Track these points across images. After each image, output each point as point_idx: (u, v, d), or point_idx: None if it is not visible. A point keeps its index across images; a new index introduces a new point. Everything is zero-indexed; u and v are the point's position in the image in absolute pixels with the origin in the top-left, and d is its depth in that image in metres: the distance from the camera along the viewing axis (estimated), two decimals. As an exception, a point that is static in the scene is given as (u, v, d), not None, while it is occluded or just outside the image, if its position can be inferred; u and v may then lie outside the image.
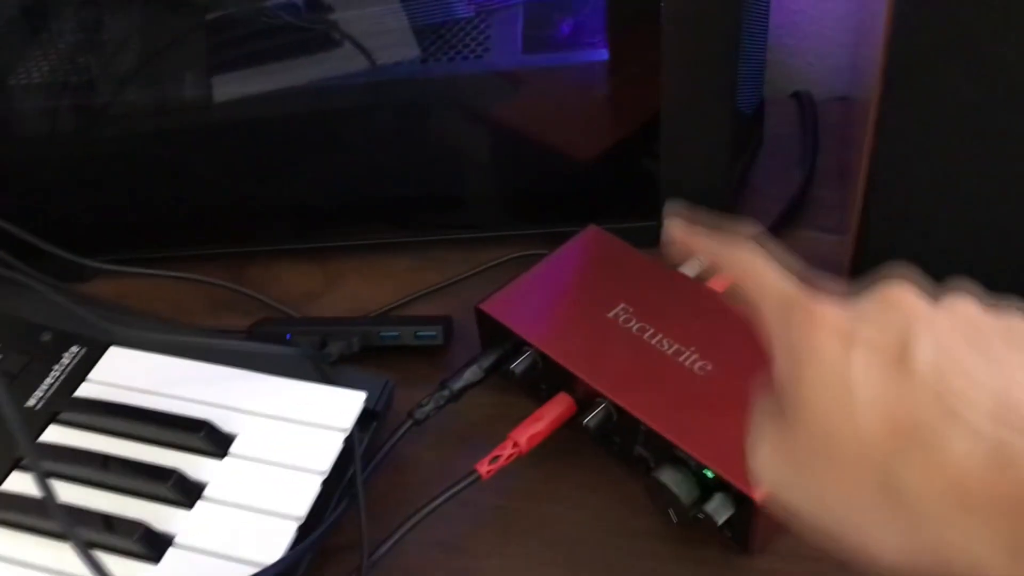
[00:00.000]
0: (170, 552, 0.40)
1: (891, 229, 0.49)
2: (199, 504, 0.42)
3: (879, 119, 0.46)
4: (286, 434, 0.44)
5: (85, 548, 0.36)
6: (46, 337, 0.50)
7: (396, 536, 0.43)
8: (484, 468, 0.45)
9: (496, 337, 0.50)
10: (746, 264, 0.33)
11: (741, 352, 0.45)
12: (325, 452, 0.43)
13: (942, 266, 0.48)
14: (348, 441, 0.45)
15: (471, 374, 0.49)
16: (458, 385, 0.49)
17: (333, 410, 0.45)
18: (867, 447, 0.27)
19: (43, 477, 0.37)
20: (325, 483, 0.43)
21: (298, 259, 0.61)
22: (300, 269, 0.61)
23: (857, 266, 0.51)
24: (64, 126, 0.61)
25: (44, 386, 0.48)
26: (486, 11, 0.56)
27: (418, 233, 0.60)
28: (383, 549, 0.43)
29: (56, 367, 0.48)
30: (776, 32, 0.61)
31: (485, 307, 0.50)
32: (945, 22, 0.42)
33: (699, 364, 0.45)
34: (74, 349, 0.49)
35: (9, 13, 0.58)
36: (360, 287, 0.59)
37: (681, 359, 0.46)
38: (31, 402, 0.47)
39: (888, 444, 0.26)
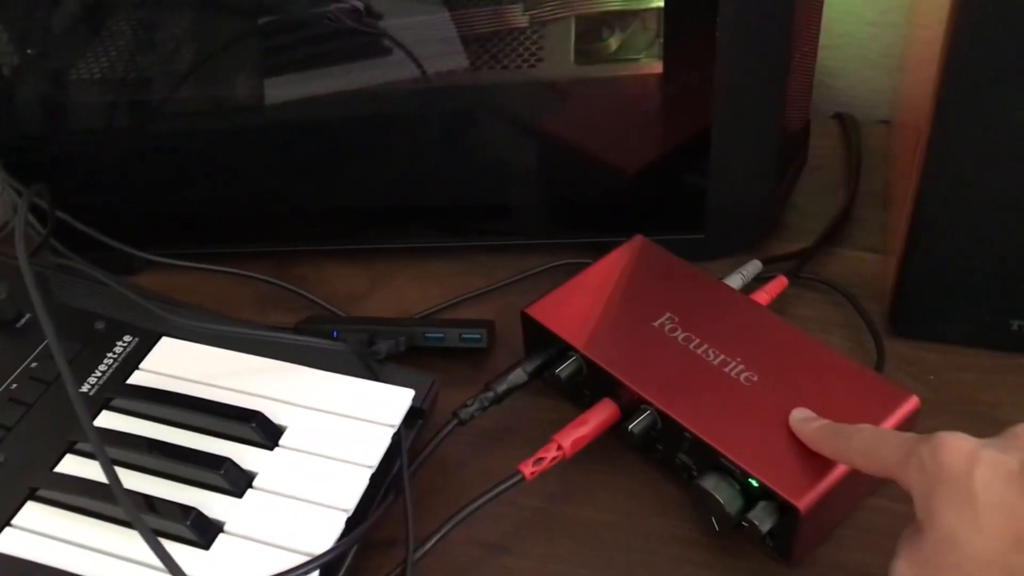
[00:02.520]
0: (220, 538, 0.41)
1: (936, 251, 0.49)
2: (249, 493, 0.43)
3: (930, 142, 0.46)
4: (335, 428, 0.45)
5: (151, 534, 0.37)
6: (99, 326, 0.51)
7: (441, 532, 0.43)
8: (528, 469, 0.45)
9: (540, 342, 0.50)
10: (867, 439, 0.38)
11: (786, 364, 0.46)
12: (374, 446, 0.44)
13: (986, 289, 0.49)
14: (394, 438, 0.45)
15: (516, 377, 0.50)
16: (502, 387, 0.49)
17: (381, 406, 0.46)
18: (992, 554, 0.30)
19: (109, 464, 0.38)
20: (372, 478, 0.44)
21: (345, 260, 0.62)
22: (346, 270, 0.62)
23: (900, 286, 0.51)
24: (120, 122, 0.62)
25: (97, 373, 0.48)
26: (540, 22, 0.57)
27: (464, 238, 0.61)
28: (428, 545, 0.43)
29: (109, 355, 0.49)
30: (822, 54, 0.61)
31: (531, 311, 0.51)
32: (1000, 49, 0.42)
33: (745, 375, 0.46)
34: (127, 338, 0.50)
35: (72, 10, 0.59)
36: (405, 289, 0.60)
37: (727, 369, 0.46)
38: (84, 388, 0.48)
39: (1012, 552, 0.30)
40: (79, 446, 0.45)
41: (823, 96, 0.68)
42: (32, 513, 0.43)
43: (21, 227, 0.47)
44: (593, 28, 0.57)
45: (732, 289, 0.51)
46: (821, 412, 0.44)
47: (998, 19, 0.42)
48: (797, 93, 0.58)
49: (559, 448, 0.46)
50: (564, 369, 0.49)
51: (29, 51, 0.60)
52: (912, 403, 0.44)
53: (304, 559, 0.40)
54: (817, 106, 0.67)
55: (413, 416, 0.47)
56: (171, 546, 0.40)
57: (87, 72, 0.60)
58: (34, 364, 0.49)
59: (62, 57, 0.60)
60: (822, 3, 0.57)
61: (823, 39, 0.61)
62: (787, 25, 0.52)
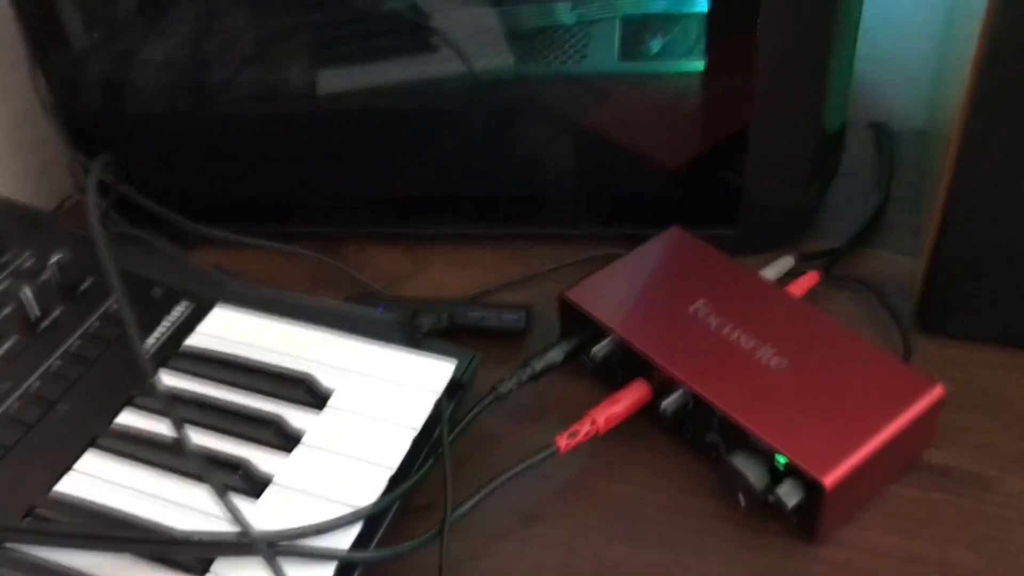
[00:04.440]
0: (269, 490, 0.43)
1: (964, 251, 0.51)
2: (297, 450, 0.45)
3: (961, 147, 0.48)
4: (380, 392, 0.47)
5: (222, 489, 0.40)
6: (157, 292, 0.53)
7: (479, 496, 0.45)
8: (563, 442, 0.47)
9: (577, 325, 0.52)
10: None
11: (816, 351, 0.48)
12: (417, 410, 0.46)
13: (1013, 288, 0.50)
14: (436, 406, 0.47)
15: (553, 355, 0.52)
16: (540, 365, 0.51)
17: (425, 374, 0.48)
18: None
19: (179, 423, 0.40)
20: (413, 444, 0.46)
21: (389, 244, 0.64)
22: (390, 253, 0.64)
23: (928, 284, 0.53)
24: (179, 104, 0.65)
25: (154, 336, 0.51)
26: (586, 21, 0.59)
27: (504, 227, 0.63)
28: (464, 508, 0.45)
29: (166, 320, 0.52)
30: (859, 64, 0.63)
31: (569, 295, 0.53)
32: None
33: (775, 360, 0.48)
34: (184, 304, 0.52)
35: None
36: (446, 274, 0.62)
37: (758, 354, 0.48)
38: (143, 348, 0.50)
39: None
40: (136, 401, 0.47)
41: (859, 105, 0.69)
42: (92, 460, 0.45)
43: (93, 193, 0.49)
44: (638, 28, 0.59)
45: (765, 280, 0.53)
46: (848, 397, 0.45)
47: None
48: (834, 98, 0.60)
49: (593, 423, 0.48)
50: (600, 350, 0.50)
51: (95, 34, 0.63)
52: (937, 392, 0.46)
53: (349, 511, 0.42)
54: (853, 115, 0.68)
55: (453, 388, 0.49)
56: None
57: (150, 55, 0.63)
58: (96, 325, 0.51)
59: (127, 40, 0.63)
60: (860, 12, 0.59)
61: (860, 50, 0.63)
62: (826, 31, 0.54)
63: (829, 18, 0.53)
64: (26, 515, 0.42)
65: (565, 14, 0.59)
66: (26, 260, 0.54)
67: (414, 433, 0.45)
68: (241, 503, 0.42)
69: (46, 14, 0.60)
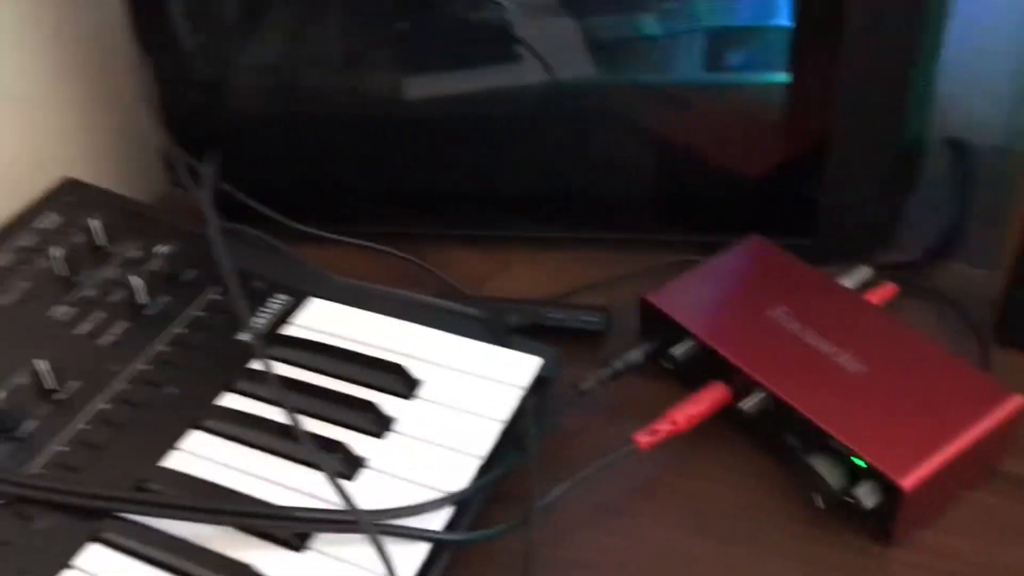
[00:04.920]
0: (363, 473, 0.45)
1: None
2: (390, 435, 0.47)
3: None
4: (469, 385, 0.49)
5: (333, 470, 0.42)
6: (257, 284, 0.56)
7: (563, 487, 0.47)
8: (643, 440, 0.49)
9: (657, 328, 0.54)
10: None
11: (895, 356, 0.49)
12: (504, 403, 0.48)
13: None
14: (521, 400, 0.49)
15: (633, 356, 0.53)
16: (620, 365, 0.53)
17: (511, 369, 0.50)
18: None
19: (292, 411, 0.43)
20: (500, 434, 0.47)
21: (470, 246, 0.66)
22: (471, 255, 0.66)
23: (1008, 297, 0.53)
24: (276, 106, 0.67)
25: (254, 325, 0.53)
26: (671, 32, 0.61)
27: (583, 231, 0.65)
28: (550, 497, 0.47)
29: (264, 310, 0.54)
30: (941, 80, 0.64)
31: (651, 298, 0.54)
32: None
33: (855, 365, 0.48)
34: (281, 296, 0.55)
35: (237, 5, 0.65)
36: (525, 276, 0.64)
37: (837, 359, 0.49)
38: (242, 337, 0.53)
39: None
40: (236, 385, 0.50)
41: (940, 120, 0.70)
42: (196, 439, 0.48)
43: (208, 189, 0.52)
44: (721, 40, 0.60)
45: (846, 287, 0.54)
46: (928, 403, 0.46)
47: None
48: (914, 113, 0.61)
49: (673, 422, 0.49)
50: (680, 352, 0.52)
51: (200, 39, 0.66)
52: (1017, 403, 0.46)
53: (440, 495, 0.44)
54: (934, 129, 0.69)
55: (538, 384, 0.51)
56: (317, 476, 0.45)
57: (249, 59, 0.66)
58: (199, 313, 0.54)
59: (228, 45, 0.66)
60: (944, 28, 0.60)
61: (942, 65, 0.64)
62: (910, 47, 0.55)
63: (913, 34, 0.54)
64: (136, 488, 0.45)
65: (650, 26, 0.60)
66: (134, 251, 0.57)
67: (501, 425, 0.47)
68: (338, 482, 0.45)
69: (156, 21, 0.63)
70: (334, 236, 0.62)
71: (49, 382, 0.49)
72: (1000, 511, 0.47)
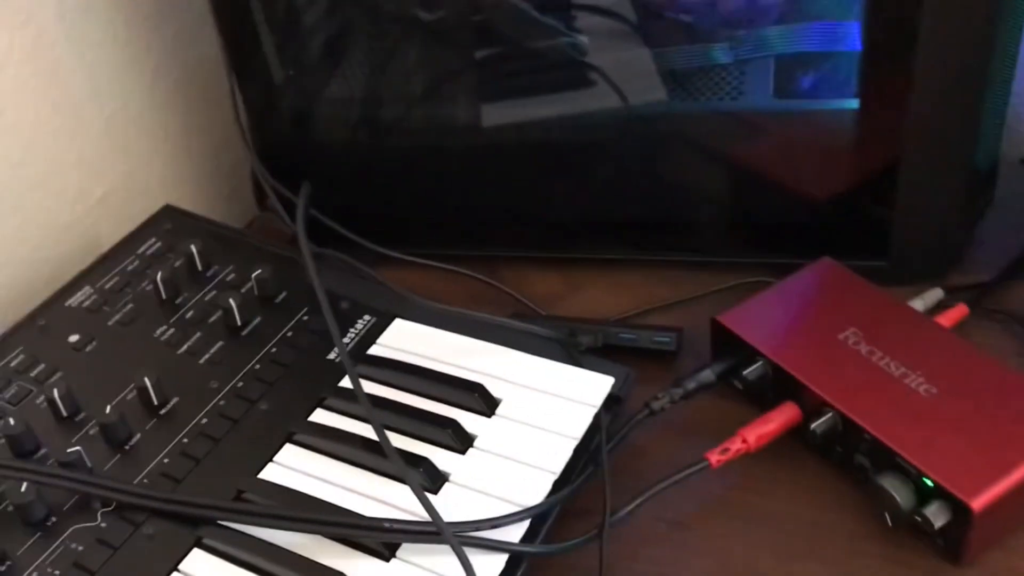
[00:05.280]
0: (446, 486, 0.48)
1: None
2: (471, 452, 0.49)
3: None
4: (545, 403, 0.51)
5: (420, 490, 0.45)
6: (344, 305, 0.59)
7: (635, 503, 0.49)
8: (714, 457, 0.50)
9: (728, 348, 0.55)
10: None
11: (965, 379, 0.49)
12: (578, 421, 0.50)
13: None
14: (595, 417, 0.51)
15: (704, 376, 0.55)
16: (692, 385, 0.55)
17: (585, 388, 0.52)
18: None
19: (380, 428, 0.46)
20: (574, 451, 0.49)
21: (543, 267, 0.68)
22: (544, 276, 0.68)
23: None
24: (359, 136, 0.71)
25: (342, 345, 0.56)
26: (742, 60, 0.62)
27: (654, 253, 0.67)
28: (623, 512, 0.49)
29: (351, 331, 0.57)
30: (1013, 100, 0.64)
31: (722, 319, 0.56)
32: None
33: (924, 387, 0.49)
34: (367, 318, 0.58)
35: (322, 40, 0.69)
36: (597, 296, 0.66)
37: (907, 381, 0.50)
38: (331, 356, 0.56)
39: None
40: (327, 402, 0.53)
41: (1013, 140, 0.70)
42: (290, 452, 0.51)
43: (302, 217, 0.55)
44: (792, 66, 0.62)
45: (915, 310, 0.55)
46: (998, 425, 0.47)
47: None
48: (986, 135, 0.61)
49: (744, 441, 0.51)
50: (752, 372, 0.53)
51: (289, 71, 0.69)
52: (1089, 424, 0.47)
53: (517, 509, 0.46)
54: (1006, 150, 0.69)
55: (611, 402, 0.53)
56: (403, 489, 0.47)
57: (334, 91, 0.69)
58: (290, 333, 0.57)
59: (316, 78, 0.69)
60: (1017, 50, 0.60)
61: (1015, 85, 0.64)
62: (982, 69, 0.55)
63: (985, 56, 0.55)
64: (235, 498, 0.48)
65: (722, 53, 0.62)
66: (229, 274, 0.61)
67: (575, 442, 0.49)
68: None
69: (249, 56, 0.67)
70: (415, 259, 0.65)
71: (154, 398, 0.53)
72: (1072, 533, 0.47)
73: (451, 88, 0.69)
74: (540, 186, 0.69)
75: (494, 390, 0.52)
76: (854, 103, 0.60)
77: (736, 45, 0.61)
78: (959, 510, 0.45)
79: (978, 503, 0.44)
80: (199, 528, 0.47)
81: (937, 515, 0.45)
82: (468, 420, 0.51)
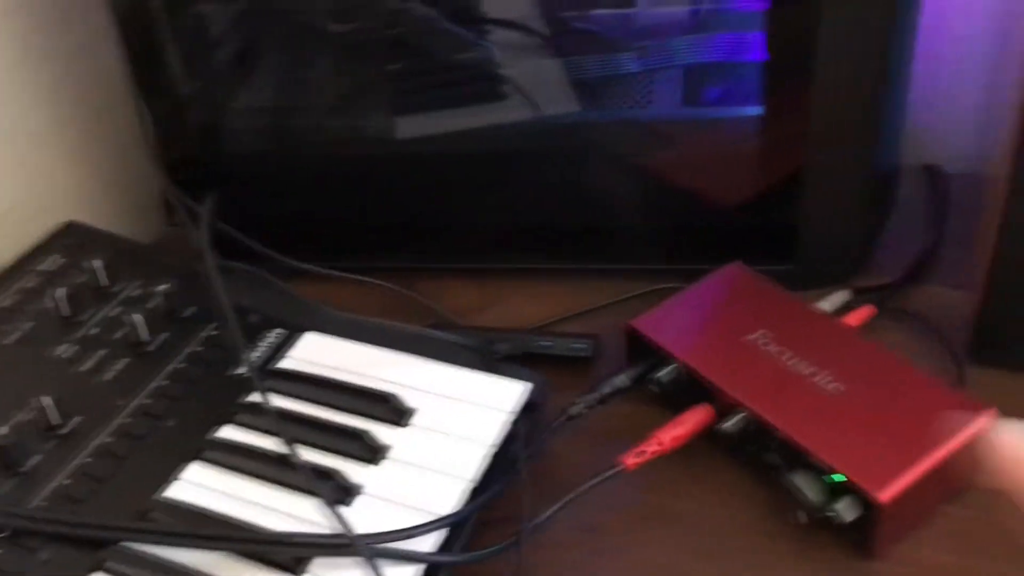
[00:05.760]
0: (359, 499, 0.47)
1: (1017, 285, 0.53)
2: (384, 462, 0.49)
3: (1011, 187, 0.51)
4: (460, 411, 0.51)
5: (331, 497, 0.44)
6: (253, 319, 0.57)
7: (553, 509, 0.48)
8: (630, 460, 0.50)
9: (643, 353, 0.56)
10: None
11: (871, 376, 0.50)
12: (495, 428, 0.50)
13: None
14: (512, 425, 0.51)
15: (620, 381, 0.55)
16: (607, 389, 0.55)
17: (501, 395, 0.51)
18: None
19: (289, 441, 0.44)
20: (491, 459, 0.49)
21: (459, 278, 0.68)
22: (461, 287, 0.68)
23: (981, 317, 0.55)
24: (269, 147, 0.70)
25: (250, 359, 0.55)
26: (649, 69, 0.63)
27: (569, 262, 0.67)
28: (540, 519, 0.48)
29: (261, 344, 0.56)
30: (914, 109, 0.66)
31: (636, 324, 0.56)
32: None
33: (832, 385, 0.50)
34: (278, 331, 0.57)
35: (230, 51, 0.68)
36: (514, 306, 0.66)
37: (816, 379, 0.51)
38: (240, 371, 0.54)
39: None
40: (236, 418, 0.51)
41: (915, 149, 0.72)
42: (197, 470, 0.49)
43: (206, 228, 0.54)
44: (699, 76, 0.63)
45: (823, 311, 0.56)
46: (904, 420, 0.48)
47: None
48: (887, 141, 0.63)
49: (659, 443, 0.51)
50: (665, 375, 0.54)
51: (197, 83, 0.68)
52: (990, 416, 0.48)
53: (432, 518, 0.45)
54: (909, 158, 0.71)
55: (528, 409, 0.52)
56: (315, 503, 0.46)
57: (244, 104, 0.68)
58: (198, 349, 0.56)
59: (224, 89, 0.68)
60: (912, 58, 0.63)
61: (915, 97, 0.66)
62: (878, 80, 0.57)
63: (880, 69, 0.57)
64: (139, 518, 0.46)
65: (630, 63, 0.63)
66: (135, 290, 0.59)
67: (492, 449, 0.49)
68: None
69: (153, 68, 0.65)
70: (328, 271, 0.64)
71: (53, 418, 0.51)
72: (976, 523, 0.48)
73: (364, 100, 0.68)
74: (455, 197, 0.69)
75: (409, 400, 0.51)
76: (759, 111, 0.61)
77: (645, 55, 0.62)
78: (868, 504, 0.45)
79: (886, 496, 0.45)
80: (100, 551, 0.45)
81: (847, 510, 0.46)
82: (381, 431, 0.50)
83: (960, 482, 0.50)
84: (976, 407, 0.48)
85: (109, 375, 0.54)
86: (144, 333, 0.55)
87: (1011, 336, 0.55)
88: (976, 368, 0.56)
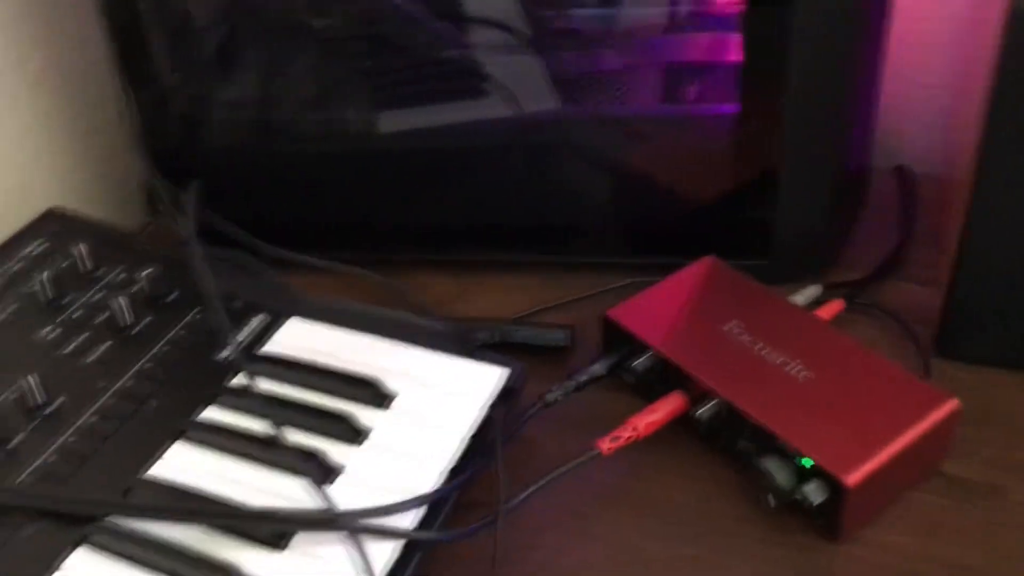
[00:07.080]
0: (340, 478, 0.48)
1: (980, 281, 0.55)
2: (365, 444, 0.49)
3: (975, 187, 0.52)
4: (440, 396, 0.52)
5: (315, 476, 0.44)
6: (237, 304, 0.58)
7: (530, 490, 0.49)
8: (605, 445, 0.51)
9: (618, 342, 0.57)
10: None
11: (840, 366, 0.52)
12: (472, 411, 0.51)
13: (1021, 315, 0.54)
14: (490, 410, 0.52)
15: (596, 369, 0.56)
16: (583, 377, 0.56)
17: (479, 380, 0.53)
18: None
19: (278, 425, 0.46)
20: (470, 442, 0.50)
21: (438, 270, 0.69)
22: (438, 279, 0.69)
23: (947, 312, 0.57)
24: (253, 139, 0.70)
25: (234, 343, 0.56)
26: (628, 67, 0.65)
27: (546, 255, 0.68)
28: (517, 500, 0.49)
29: (245, 328, 0.57)
30: (884, 112, 0.68)
31: (612, 314, 0.57)
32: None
33: (803, 374, 0.52)
34: (261, 316, 0.57)
35: (211, 43, 0.68)
36: (491, 298, 0.67)
37: (786, 368, 0.52)
38: (223, 355, 0.55)
39: None
40: (219, 399, 0.52)
41: (884, 151, 0.74)
42: (180, 449, 0.50)
43: (191, 216, 0.55)
44: (677, 75, 0.64)
45: (795, 304, 0.57)
46: (871, 408, 0.49)
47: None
48: (858, 142, 0.65)
49: (634, 429, 0.52)
50: (640, 363, 0.55)
51: (180, 75, 0.69)
52: (953, 405, 0.50)
53: (411, 497, 0.46)
54: (880, 159, 0.73)
55: (505, 395, 0.54)
56: (296, 483, 0.47)
57: (227, 94, 0.69)
58: (181, 332, 0.56)
59: (208, 81, 0.69)
60: (882, 63, 0.65)
61: (884, 100, 0.68)
62: (849, 83, 0.59)
63: (852, 72, 0.59)
64: (123, 496, 0.47)
65: (609, 61, 0.64)
66: (118, 275, 0.60)
67: (470, 432, 0.50)
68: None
69: (138, 59, 0.66)
70: (311, 260, 0.65)
71: (37, 398, 0.51)
72: (939, 509, 0.50)
73: (345, 95, 0.69)
74: (435, 191, 0.70)
75: (390, 384, 0.52)
76: (734, 110, 0.62)
77: (623, 53, 0.64)
78: (835, 487, 0.47)
79: (853, 479, 0.46)
80: (84, 527, 0.46)
81: (815, 493, 0.47)
82: (363, 414, 0.51)
83: (924, 468, 0.51)
84: (940, 397, 0.50)
85: (93, 357, 0.54)
86: (128, 317, 0.56)
87: (974, 330, 0.57)
88: (941, 360, 0.58)
